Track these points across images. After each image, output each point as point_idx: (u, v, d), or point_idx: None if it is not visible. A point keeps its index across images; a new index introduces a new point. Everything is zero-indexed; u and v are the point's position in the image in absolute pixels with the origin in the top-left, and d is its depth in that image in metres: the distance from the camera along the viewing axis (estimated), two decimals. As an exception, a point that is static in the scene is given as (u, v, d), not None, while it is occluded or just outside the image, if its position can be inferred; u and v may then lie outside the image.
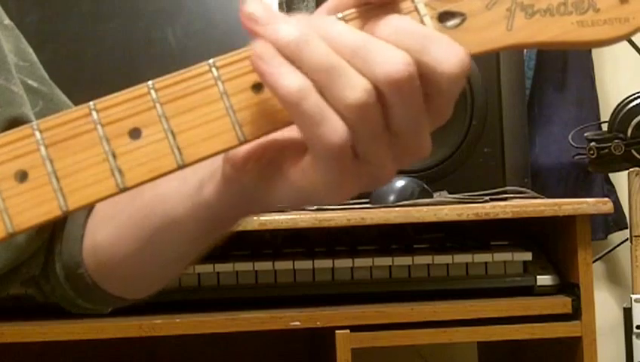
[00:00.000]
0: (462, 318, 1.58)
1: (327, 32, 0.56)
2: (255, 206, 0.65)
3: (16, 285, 0.84)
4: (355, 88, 0.55)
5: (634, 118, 1.80)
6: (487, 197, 1.69)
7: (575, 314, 1.59)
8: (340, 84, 0.55)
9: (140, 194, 0.71)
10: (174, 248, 0.73)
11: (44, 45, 1.73)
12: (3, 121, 0.79)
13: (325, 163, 0.57)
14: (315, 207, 1.58)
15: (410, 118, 0.56)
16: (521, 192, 1.76)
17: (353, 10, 0.58)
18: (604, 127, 1.92)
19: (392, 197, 1.66)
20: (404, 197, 1.66)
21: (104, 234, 0.79)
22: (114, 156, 0.56)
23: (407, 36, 0.55)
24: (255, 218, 1.48)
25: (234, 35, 1.70)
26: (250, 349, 2.02)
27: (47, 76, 0.88)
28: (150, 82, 0.57)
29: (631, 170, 1.79)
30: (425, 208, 1.59)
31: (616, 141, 1.80)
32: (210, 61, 0.57)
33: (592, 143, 1.83)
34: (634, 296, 1.75)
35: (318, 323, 1.56)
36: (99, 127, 0.56)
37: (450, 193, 1.72)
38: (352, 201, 1.66)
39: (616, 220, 2.14)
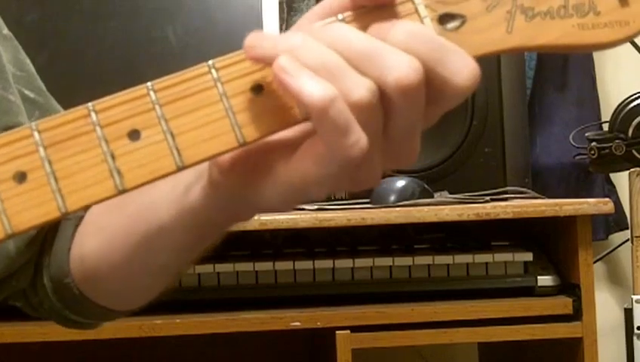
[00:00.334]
0: (462, 319, 1.58)
1: (335, 36, 0.55)
2: (242, 209, 0.64)
3: (3, 298, 0.83)
4: (360, 87, 0.54)
5: (635, 118, 1.80)
6: (487, 198, 1.69)
7: (576, 315, 1.59)
8: (347, 83, 0.54)
9: (132, 201, 0.70)
10: (162, 257, 0.72)
11: (44, 44, 1.73)
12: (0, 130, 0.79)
13: (339, 168, 0.56)
14: (316, 207, 1.58)
15: (409, 124, 0.56)
16: (521, 192, 1.76)
17: (350, 12, 0.57)
18: (605, 127, 1.92)
19: (392, 198, 1.66)
20: (404, 197, 1.65)
21: (93, 243, 0.78)
22: (113, 157, 0.56)
23: (421, 44, 0.55)
24: (255, 218, 1.48)
25: (234, 33, 1.69)
26: (250, 349, 2.02)
27: (44, 87, 0.88)
28: (149, 83, 0.57)
29: (632, 170, 1.79)
30: (425, 208, 1.59)
31: (617, 141, 1.80)
32: (210, 62, 0.57)
33: (593, 143, 1.83)
34: (635, 297, 1.75)
35: (318, 323, 1.56)
36: (98, 128, 0.56)
37: (450, 193, 1.72)
38: (352, 201, 1.66)
39: (617, 220, 2.14)
